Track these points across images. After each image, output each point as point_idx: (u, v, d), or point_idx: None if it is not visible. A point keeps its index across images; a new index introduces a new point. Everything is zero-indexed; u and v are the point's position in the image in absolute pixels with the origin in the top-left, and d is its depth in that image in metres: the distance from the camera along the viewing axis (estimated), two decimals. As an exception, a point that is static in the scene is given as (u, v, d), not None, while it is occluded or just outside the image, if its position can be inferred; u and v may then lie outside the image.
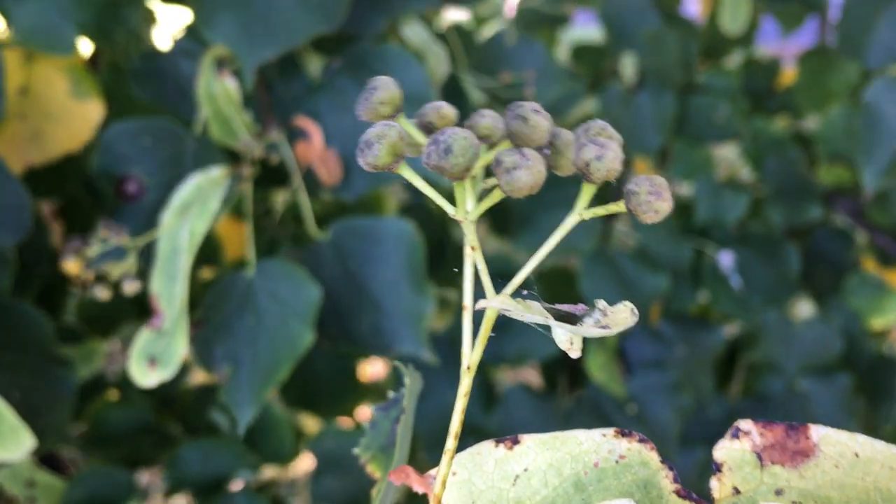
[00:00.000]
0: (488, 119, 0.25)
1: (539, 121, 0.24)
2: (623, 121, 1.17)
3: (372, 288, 0.81)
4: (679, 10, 1.25)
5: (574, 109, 1.22)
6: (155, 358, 0.71)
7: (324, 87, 0.84)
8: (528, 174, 0.22)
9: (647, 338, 1.16)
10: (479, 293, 0.26)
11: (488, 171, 0.25)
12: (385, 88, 0.25)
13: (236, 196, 0.79)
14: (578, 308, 0.26)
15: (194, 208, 0.73)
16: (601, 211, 0.25)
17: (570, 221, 0.25)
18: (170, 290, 0.72)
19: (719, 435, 0.28)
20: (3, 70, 0.76)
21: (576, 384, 1.16)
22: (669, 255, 1.19)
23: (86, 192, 1.00)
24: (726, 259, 1.20)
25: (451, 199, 0.25)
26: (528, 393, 1.12)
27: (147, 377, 0.71)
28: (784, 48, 1.59)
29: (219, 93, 0.80)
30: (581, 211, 0.25)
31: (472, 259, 0.25)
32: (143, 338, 0.72)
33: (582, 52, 1.31)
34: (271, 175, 0.89)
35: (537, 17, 1.21)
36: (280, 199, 0.96)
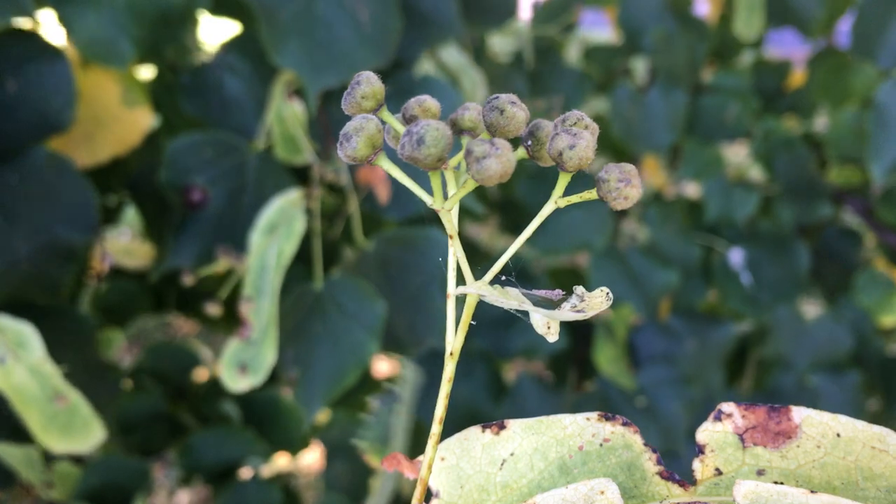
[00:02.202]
0: (472, 112, 0.26)
1: (515, 112, 0.25)
2: (634, 119, 1.17)
3: (408, 290, 0.86)
4: (690, 10, 1.25)
5: (585, 108, 1.22)
6: (245, 365, 0.77)
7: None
8: (496, 163, 0.22)
9: (657, 332, 1.16)
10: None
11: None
12: (367, 83, 0.26)
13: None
14: (555, 293, 0.26)
15: (281, 229, 0.78)
16: (575, 199, 0.25)
17: (547, 209, 0.26)
18: (259, 304, 0.77)
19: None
20: (73, 80, 0.79)
21: (584, 377, 1.17)
22: (679, 251, 1.19)
23: (128, 191, 1.03)
24: (736, 256, 1.20)
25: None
26: (537, 384, 1.12)
27: (238, 382, 0.77)
28: (790, 53, 1.60)
29: (287, 115, 0.85)
30: (556, 199, 0.26)
31: (452, 247, 0.26)
32: (233, 347, 0.77)
33: (594, 53, 1.31)
34: (334, 193, 0.95)
35: (550, 42, 1.23)
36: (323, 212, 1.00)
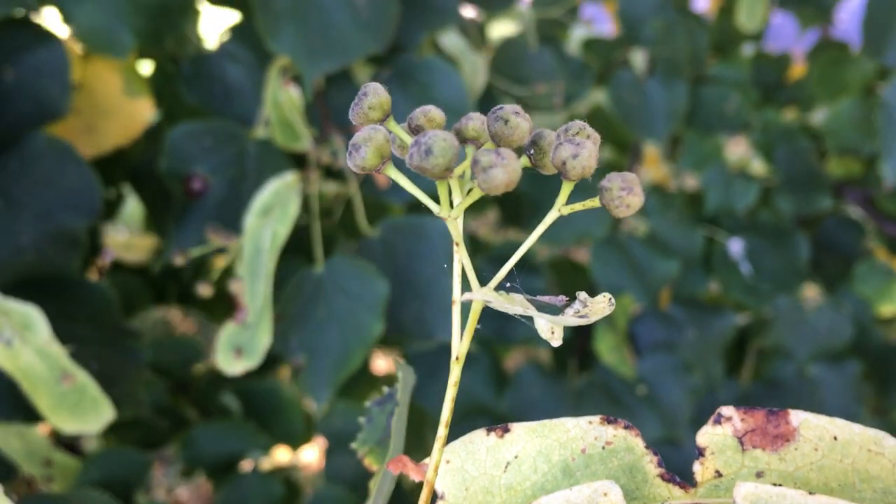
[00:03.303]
0: (476, 122, 0.26)
1: (519, 122, 0.25)
2: (633, 108, 1.17)
3: (416, 281, 0.86)
4: (689, 5, 1.25)
5: (584, 100, 1.22)
6: (241, 348, 0.77)
7: (373, 96, 0.87)
8: (503, 172, 0.23)
9: (658, 321, 1.17)
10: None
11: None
12: (374, 94, 0.27)
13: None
14: (559, 299, 0.27)
15: (275, 212, 0.78)
16: (578, 206, 0.26)
17: (550, 217, 0.26)
18: (253, 287, 0.77)
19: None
20: (69, 67, 0.78)
21: (585, 365, 1.17)
22: (680, 241, 1.19)
23: (132, 184, 1.03)
24: (736, 246, 1.21)
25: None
26: (539, 373, 1.12)
27: (233, 366, 0.77)
28: (788, 48, 1.60)
29: (284, 100, 0.85)
30: (560, 207, 0.26)
31: (458, 255, 0.26)
32: (229, 330, 0.77)
33: (593, 44, 1.31)
34: (331, 178, 0.95)
35: (551, 25, 1.23)
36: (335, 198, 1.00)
